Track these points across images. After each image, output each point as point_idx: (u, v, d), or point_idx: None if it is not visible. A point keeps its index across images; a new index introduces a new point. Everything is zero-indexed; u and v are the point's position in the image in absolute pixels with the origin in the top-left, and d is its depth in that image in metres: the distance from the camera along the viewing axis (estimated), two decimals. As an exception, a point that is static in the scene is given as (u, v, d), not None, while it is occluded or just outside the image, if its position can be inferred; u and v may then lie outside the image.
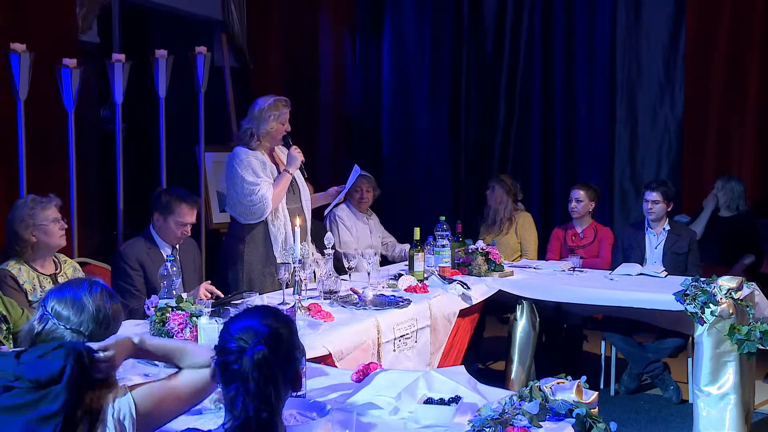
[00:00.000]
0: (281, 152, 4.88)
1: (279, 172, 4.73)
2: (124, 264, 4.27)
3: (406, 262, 5.02)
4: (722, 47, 7.13)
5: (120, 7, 6.27)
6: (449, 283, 4.58)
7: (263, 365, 1.82)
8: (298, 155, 4.76)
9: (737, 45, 7.08)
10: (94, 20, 5.94)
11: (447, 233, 4.92)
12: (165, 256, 4.28)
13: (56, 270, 3.93)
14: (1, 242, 3.98)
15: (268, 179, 4.64)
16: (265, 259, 4.66)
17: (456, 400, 2.58)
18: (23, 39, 4.93)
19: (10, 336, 3.38)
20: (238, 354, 1.84)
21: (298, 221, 4.21)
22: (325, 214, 5.70)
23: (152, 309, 3.27)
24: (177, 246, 4.44)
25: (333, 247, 4.43)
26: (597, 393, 2.66)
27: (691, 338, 4.89)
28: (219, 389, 1.95)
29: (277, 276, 4.01)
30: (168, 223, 4.35)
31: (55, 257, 3.98)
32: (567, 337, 5.94)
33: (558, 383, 2.58)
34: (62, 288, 2.41)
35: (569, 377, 2.63)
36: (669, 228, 5.58)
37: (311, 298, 4.05)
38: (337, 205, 5.58)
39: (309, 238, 4.85)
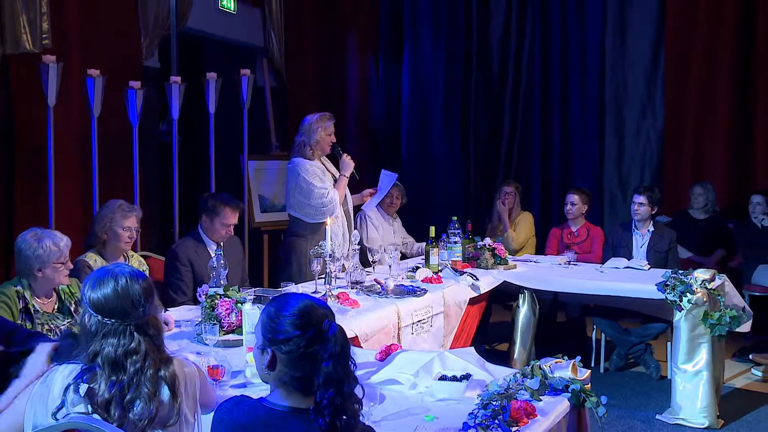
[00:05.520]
0: (326, 162, 4.90)
1: (333, 178, 4.76)
2: (176, 262, 4.26)
3: (423, 257, 5.01)
4: (697, 69, 7.12)
5: (177, 36, 6.33)
6: (460, 275, 4.57)
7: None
8: (351, 162, 4.78)
9: (710, 67, 7.07)
10: (155, 48, 6.02)
11: (458, 231, 4.91)
12: (212, 253, 4.27)
13: (125, 262, 3.96)
14: (81, 237, 4.03)
15: (330, 183, 4.68)
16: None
17: (467, 377, 2.58)
18: (97, 65, 5.00)
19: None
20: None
21: (328, 221, 4.21)
22: (366, 210, 5.70)
23: (203, 296, 3.28)
24: (221, 243, 4.42)
25: (360, 243, 4.43)
26: (590, 371, 2.66)
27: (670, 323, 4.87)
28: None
29: (310, 268, 4.01)
30: (214, 224, 4.34)
31: (124, 253, 4.01)
32: (569, 325, 5.91)
33: (556, 362, 2.59)
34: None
35: (566, 357, 2.62)
36: (653, 229, 5.54)
37: (340, 287, 4.04)
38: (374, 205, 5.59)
39: (351, 234, 4.83)
